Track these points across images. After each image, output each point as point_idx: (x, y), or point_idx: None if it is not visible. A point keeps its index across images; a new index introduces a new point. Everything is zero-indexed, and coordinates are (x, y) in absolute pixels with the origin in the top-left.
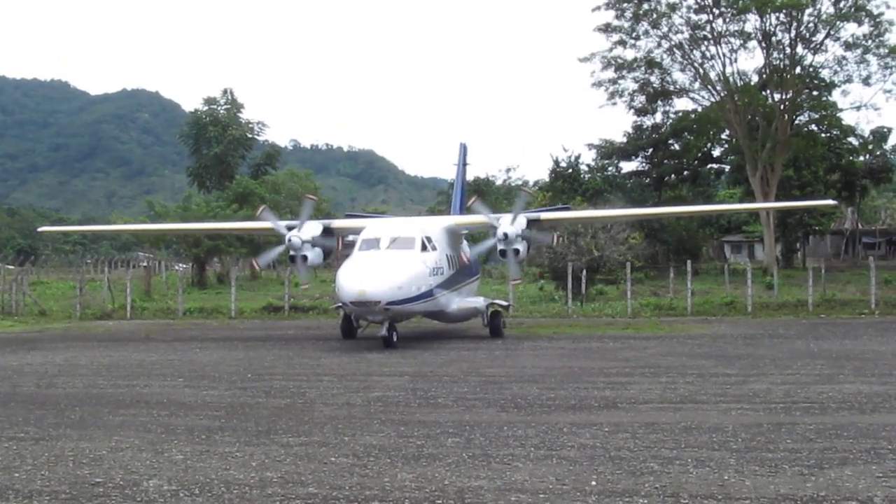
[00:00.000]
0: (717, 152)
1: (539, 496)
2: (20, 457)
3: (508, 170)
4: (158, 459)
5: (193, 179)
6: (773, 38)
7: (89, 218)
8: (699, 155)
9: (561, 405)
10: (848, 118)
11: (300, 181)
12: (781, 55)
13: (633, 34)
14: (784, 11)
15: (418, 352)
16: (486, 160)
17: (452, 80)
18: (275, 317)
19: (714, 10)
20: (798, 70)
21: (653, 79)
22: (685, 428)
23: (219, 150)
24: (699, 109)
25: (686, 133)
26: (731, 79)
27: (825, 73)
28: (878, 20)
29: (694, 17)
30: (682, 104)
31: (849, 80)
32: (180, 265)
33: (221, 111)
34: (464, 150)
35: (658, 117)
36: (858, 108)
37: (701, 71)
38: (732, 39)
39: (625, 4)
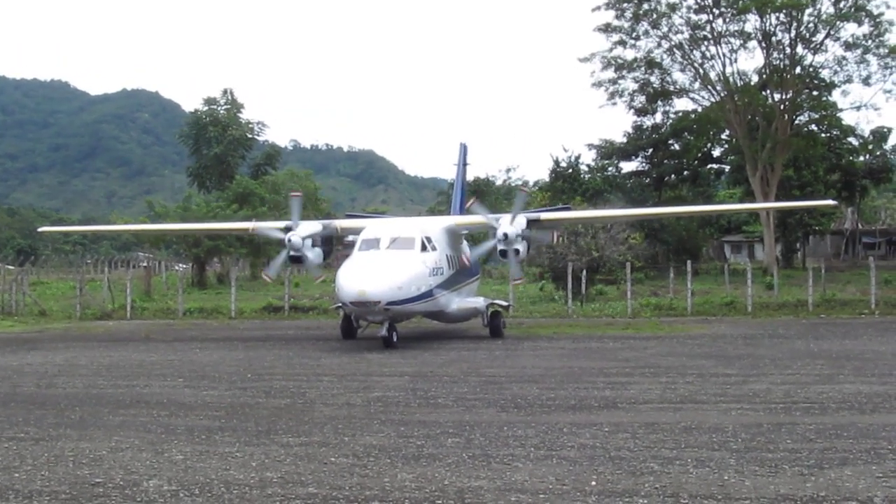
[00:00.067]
0: (717, 152)
1: (539, 496)
2: (20, 457)
3: (508, 170)
4: (158, 459)
5: (193, 179)
6: (773, 38)
7: (89, 218)
8: (699, 155)
9: (561, 405)
10: (848, 118)
11: (300, 181)
12: (781, 55)
13: (633, 34)
14: (784, 11)
15: (418, 352)
16: (486, 160)
17: (452, 80)
18: (275, 317)
19: (714, 10)
20: (798, 70)
21: (653, 79)
22: (685, 428)
23: (219, 150)
24: (699, 109)
25: (686, 133)
26: (731, 79)
27: (825, 73)
28: (878, 20)
29: (694, 17)
30: (682, 104)
31: (849, 80)
32: (180, 265)
33: (221, 111)
34: (464, 150)
35: (658, 117)
36: (858, 108)
37: (701, 71)
38: (732, 39)
39: (625, 4)
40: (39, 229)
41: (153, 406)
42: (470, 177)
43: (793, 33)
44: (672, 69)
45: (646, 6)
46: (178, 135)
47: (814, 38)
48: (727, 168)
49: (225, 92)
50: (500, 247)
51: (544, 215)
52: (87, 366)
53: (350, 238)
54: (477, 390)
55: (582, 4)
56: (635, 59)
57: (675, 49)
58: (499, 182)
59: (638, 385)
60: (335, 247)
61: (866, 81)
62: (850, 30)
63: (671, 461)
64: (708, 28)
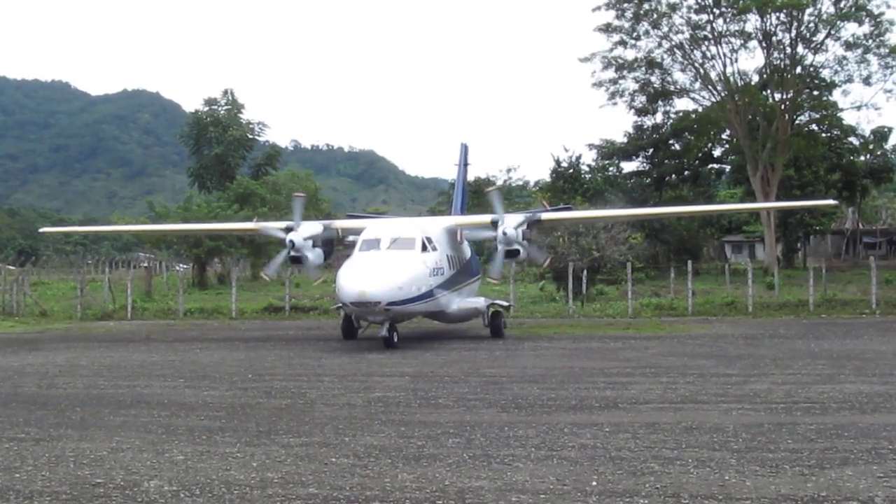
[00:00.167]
0: (717, 152)
1: (540, 496)
2: (21, 457)
3: (509, 170)
4: (159, 460)
5: (194, 180)
6: (774, 38)
7: (90, 218)
8: (700, 155)
9: (562, 405)
10: (848, 118)
11: (301, 182)
12: (782, 55)
13: (634, 34)
14: (784, 11)
15: (419, 352)
16: (486, 160)
17: (453, 80)
18: (275, 317)
19: (714, 10)
20: (798, 70)
21: (653, 79)
22: (686, 428)
23: (219, 150)
24: (700, 109)
25: (686, 133)
26: (731, 79)
27: (826, 73)
28: (878, 20)
29: (694, 17)
30: (682, 104)
31: (849, 79)
32: (181, 266)
33: (222, 112)
34: (464, 150)
35: (658, 117)
36: (859, 107)
37: (701, 71)
38: (733, 39)
39: (625, 4)
40: (40, 230)
41: (154, 406)
42: (471, 177)
43: (793, 33)
44: (672, 69)
45: (646, 6)
46: (178, 135)
47: (814, 38)
48: (728, 168)
49: (225, 92)
50: (499, 247)
51: (545, 215)
52: (87, 366)
53: (350, 238)
54: (478, 390)
55: (582, 4)
56: (636, 59)
57: (675, 49)
58: (499, 182)
59: (639, 385)
60: (335, 248)
61: (867, 81)
62: (850, 29)
63: (672, 461)
64: (708, 28)
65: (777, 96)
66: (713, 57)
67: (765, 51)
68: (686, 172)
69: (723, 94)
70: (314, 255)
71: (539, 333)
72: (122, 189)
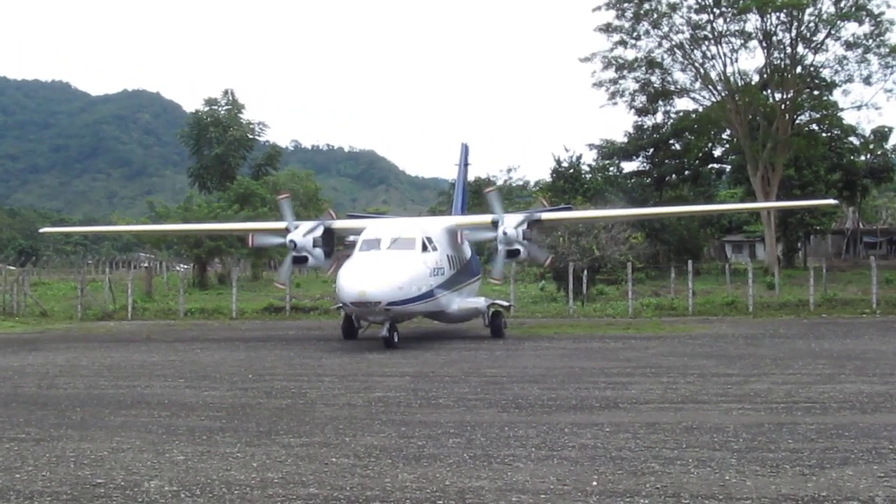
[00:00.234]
0: (717, 152)
1: (540, 496)
2: (21, 458)
3: (509, 170)
4: (160, 460)
5: (194, 180)
6: (774, 38)
7: (90, 219)
8: (700, 155)
9: (562, 405)
10: (849, 118)
11: (301, 182)
12: (782, 55)
13: (634, 34)
14: (785, 11)
15: (419, 352)
16: (487, 160)
17: (453, 80)
18: (276, 317)
19: (715, 9)
20: (799, 70)
21: (653, 79)
22: (686, 428)
23: (220, 150)
24: (700, 109)
25: (687, 133)
26: (731, 78)
27: (826, 73)
28: (878, 19)
29: (694, 16)
30: (682, 104)
31: (849, 79)
32: (181, 266)
33: (222, 112)
34: (465, 150)
35: (659, 117)
36: (859, 107)
37: (702, 71)
38: (733, 39)
39: (625, 4)
40: (41, 230)
41: (154, 407)
42: (471, 177)
43: (793, 33)
44: (673, 69)
45: (646, 6)
46: (178, 135)
47: (814, 38)
48: (728, 168)
49: (226, 92)
50: (500, 247)
51: (546, 215)
52: (88, 366)
53: (351, 238)
54: (478, 390)
55: (582, 4)
56: (636, 59)
57: (675, 49)
58: (500, 182)
59: (639, 385)
60: (336, 247)
61: (867, 81)
62: (850, 29)
63: (672, 461)
64: (708, 28)
65: (777, 96)
66: (713, 57)
67: (765, 50)
68: (686, 172)
69: (723, 94)
70: (316, 254)
71: (539, 333)
72: (122, 189)
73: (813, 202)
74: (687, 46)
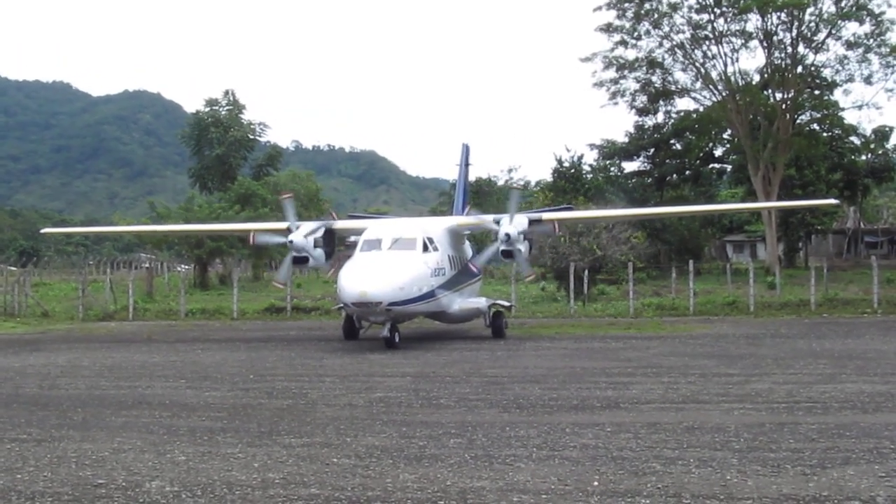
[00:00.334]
0: (718, 152)
1: (541, 497)
2: (23, 458)
3: (510, 170)
4: (161, 461)
5: (195, 181)
6: (775, 38)
7: (91, 219)
8: (701, 155)
9: (563, 405)
10: (850, 117)
11: (302, 182)
12: (783, 54)
13: (635, 34)
14: (785, 11)
15: (420, 352)
16: (488, 160)
17: (454, 80)
18: (277, 318)
19: (715, 9)
20: (799, 69)
21: (654, 79)
22: (687, 428)
23: (220, 151)
24: (701, 109)
25: (688, 133)
26: (732, 78)
27: (827, 73)
28: (879, 19)
29: (695, 16)
30: (683, 104)
31: (850, 79)
32: (182, 266)
33: (223, 112)
34: (466, 150)
35: (660, 117)
36: (860, 107)
37: (702, 70)
38: (734, 39)
39: (626, 4)
40: (42, 230)
41: (156, 407)
42: (472, 177)
43: (794, 32)
44: (673, 69)
45: (647, 6)
46: (179, 136)
47: (815, 38)
48: (729, 168)
49: (226, 93)
50: (502, 247)
51: (546, 215)
52: (89, 367)
53: (352, 239)
54: (479, 391)
55: (583, 4)
56: (637, 59)
57: (676, 49)
58: (501, 182)
59: (640, 385)
60: (337, 247)
61: (868, 80)
62: (851, 29)
63: (673, 461)
64: (709, 27)
65: (778, 96)
66: (714, 56)
67: (766, 50)
68: (687, 172)
69: (724, 94)
70: (317, 254)
71: (540, 333)
72: (123, 190)
73: (814, 202)
74: (688, 46)
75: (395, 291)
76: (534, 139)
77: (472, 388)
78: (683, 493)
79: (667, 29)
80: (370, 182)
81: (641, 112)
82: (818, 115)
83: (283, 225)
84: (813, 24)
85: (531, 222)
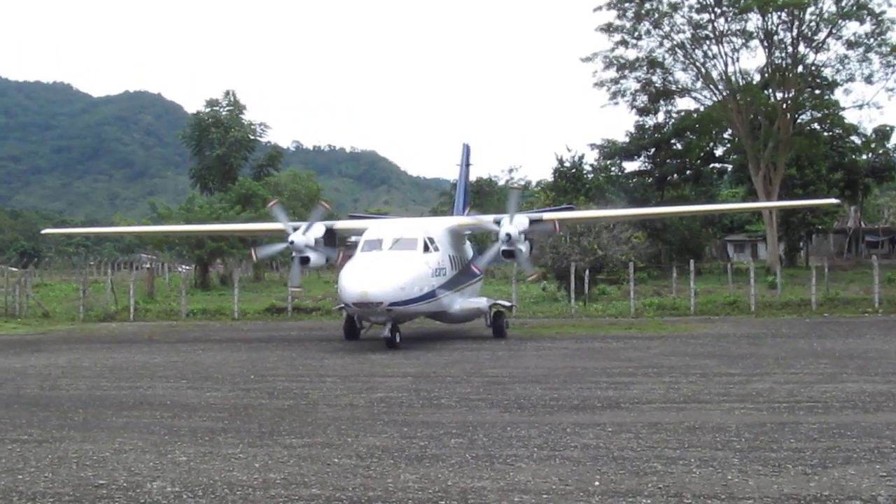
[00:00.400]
0: (719, 151)
1: (542, 496)
2: (24, 459)
3: (511, 170)
4: (162, 461)
5: (196, 181)
6: (775, 37)
7: (92, 220)
8: (701, 154)
9: (564, 405)
10: (850, 117)
11: (303, 182)
12: (783, 54)
13: (635, 34)
14: (786, 10)
15: (421, 353)
16: (488, 160)
17: (455, 80)
18: (278, 318)
19: (716, 9)
20: (800, 69)
21: (655, 78)
22: (688, 428)
23: (221, 151)
24: (701, 109)
25: (688, 132)
26: (733, 78)
27: (827, 72)
28: (879, 18)
29: (696, 16)
30: (684, 104)
31: (851, 78)
32: (183, 267)
33: (224, 113)
34: (466, 150)
35: (660, 117)
36: (861, 106)
37: (703, 70)
38: (734, 38)
39: (626, 4)
40: (42, 231)
41: (157, 407)
42: (473, 177)
43: (795, 32)
44: (674, 68)
45: (647, 6)
46: (180, 136)
47: (816, 37)
48: (730, 167)
49: (227, 93)
50: (503, 247)
51: (546, 215)
52: (90, 367)
53: (353, 239)
54: (480, 391)
55: (583, 4)
56: (637, 59)
57: (676, 48)
58: (501, 182)
59: (641, 385)
60: (338, 247)
61: (868, 80)
62: (851, 28)
63: (674, 461)
64: (710, 27)
65: (779, 95)
66: (714, 56)
67: (766, 50)
68: (688, 172)
69: (724, 94)
70: (315, 257)
71: (541, 333)
72: (124, 190)
73: (815, 201)
74: (688, 46)
75: (395, 291)
76: (534, 139)
77: (473, 388)
78: (685, 492)
79: (667, 29)
80: (371, 182)
81: (642, 112)
82: (819, 115)
83: (278, 225)
84: (813, 24)
85: (532, 222)
